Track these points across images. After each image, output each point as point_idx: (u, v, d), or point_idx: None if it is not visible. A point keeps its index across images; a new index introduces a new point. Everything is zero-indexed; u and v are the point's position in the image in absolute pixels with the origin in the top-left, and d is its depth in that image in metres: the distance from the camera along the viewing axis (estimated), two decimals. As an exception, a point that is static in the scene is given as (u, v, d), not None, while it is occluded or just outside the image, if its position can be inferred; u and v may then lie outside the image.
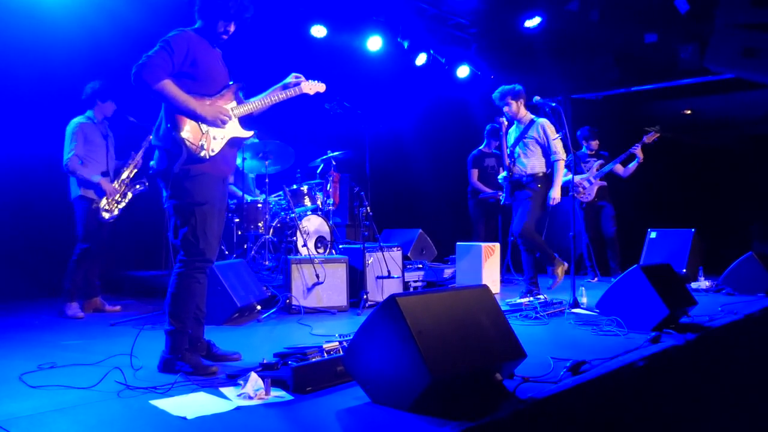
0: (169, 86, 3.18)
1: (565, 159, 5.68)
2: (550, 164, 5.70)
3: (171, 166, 3.23)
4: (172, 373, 3.12)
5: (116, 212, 5.25)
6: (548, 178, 5.70)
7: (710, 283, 6.35)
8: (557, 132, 5.63)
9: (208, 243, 3.28)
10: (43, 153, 5.09)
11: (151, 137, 3.41)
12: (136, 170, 5.47)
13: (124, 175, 5.38)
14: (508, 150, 5.85)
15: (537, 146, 5.72)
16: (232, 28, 3.50)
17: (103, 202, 5.16)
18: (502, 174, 5.94)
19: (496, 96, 5.80)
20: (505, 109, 5.78)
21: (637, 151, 7.21)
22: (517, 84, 5.79)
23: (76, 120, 5.22)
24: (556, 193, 5.67)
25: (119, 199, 5.28)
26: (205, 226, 3.25)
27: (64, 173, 5.14)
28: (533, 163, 5.71)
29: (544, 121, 5.73)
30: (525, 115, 5.80)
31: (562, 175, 5.70)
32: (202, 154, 3.27)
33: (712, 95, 9.63)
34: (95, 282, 5.36)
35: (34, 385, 2.91)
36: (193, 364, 3.17)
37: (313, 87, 3.77)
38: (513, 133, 5.90)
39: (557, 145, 5.66)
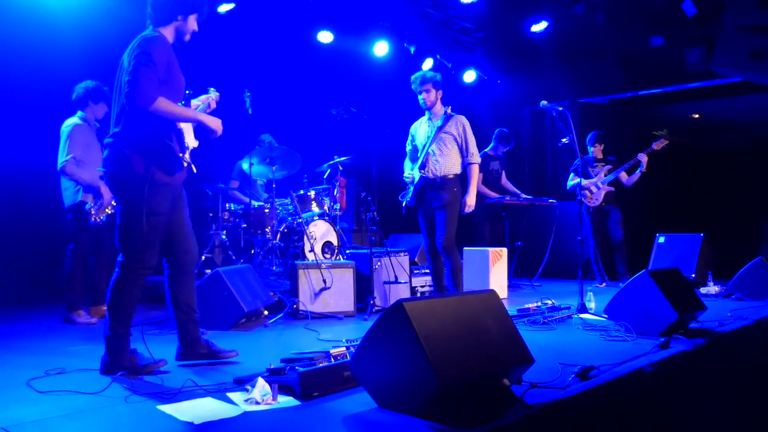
0: (163, 103, 3.18)
1: (479, 163, 5.40)
2: (464, 165, 5.33)
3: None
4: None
5: (103, 217, 5.12)
6: (459, 182, 5.29)
7: (719, 288, 6.30)
8: (564, 136, 5.55)
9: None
10: (49, 156, 5.10)
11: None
12: None
13: None
14: (420, 145, 5.41)
15: (454, 144, 5.29)
16: (196, 27, 3.49)
17: (104, 208, 5.09)
18: (408, 173, 5.48)
19: (416, 78, 5.34)
20: (423, 96, 5.33)
21: (642, 158, 7.15)
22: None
23: (71, 121, 5.10)
24: (470, 200, 5.29)
25: (110, 203, 5.17)
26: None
27: (59, 176, 5.06)
28: (448, 163, 5.26)
29: (463, 118, 5.36)
30: (440, 109, 5.35)
31: (476, 181, 5.39)
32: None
33: (720, 98, 9.60)
34: (102, 288, 5.35)
35: (41, 391, 2.91)
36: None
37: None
38: (425, 127, 5.45)
39: (474, 147, 5.34)
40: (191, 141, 3.48)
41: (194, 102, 3.71)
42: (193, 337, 3.48)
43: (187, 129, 3.47)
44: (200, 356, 3.50)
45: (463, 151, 5.32)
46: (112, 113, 3.37)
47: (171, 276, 3.52)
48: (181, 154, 3.30)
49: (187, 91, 3.51)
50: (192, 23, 3.45)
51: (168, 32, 3.39)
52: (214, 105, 3.87)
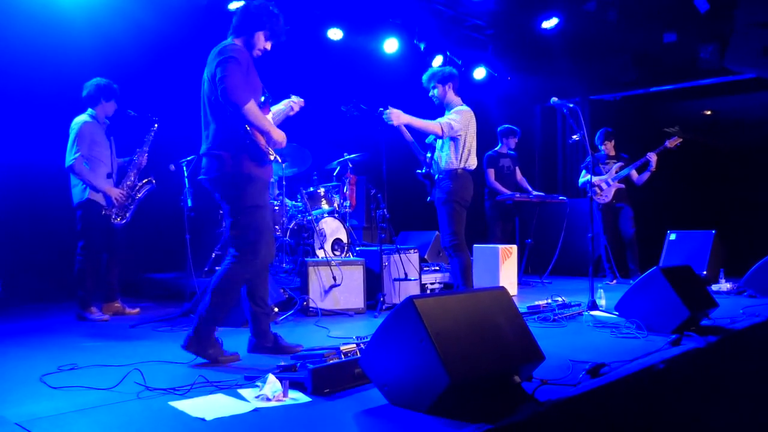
0: (253, 109, 3.39)
1: (445, 132, 5.00)
2: (462, 160, 5.05)
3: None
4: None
5: (128, 215, 5.21)
6: (462, 176, 5.05)
7: (731, 285, 6.26)
8: (575, 133, 5.51)
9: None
10: (60, 153, 5.14)
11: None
12: (136, 171, 5.34)
13: (129, 181, 5.26)
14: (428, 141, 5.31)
15: (448, 139, 5.09)
16: (268, 46, 3.70)
17: (115, 212, 5.13)
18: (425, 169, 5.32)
19: (424, 79, 5.26)
20: (432, 93, 5.25)
21: (652, 158, 7.11)
22: (452, 69, 5.28)
23: (80, 119, 5.12)
24: (395, 114, 4.96)
25: (128, 203, 5.21)
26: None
27: (66, 173, 5.10)
28: (444, 159, 5.09)
29: (459, 108, 5.15)
30: (453, 102, 5.20)
31: (421, 122, 5.02)
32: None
33: (732, 95, 9.52)
34: (114, 285, 5.39)
35: (54, 386, 2.94)
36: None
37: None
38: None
39: (447, 118, 5.04)
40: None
41: (275, 108, 3.91)
42: (263, 329, 3.67)
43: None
44: (266, 350, 3.68)
45: (457, 143, 5.05)
46: (201, 125, 3.60)
47: None
48: (266, 148, 3.48)
49: (261, 98, 3.66)
50: (260, 40, 3.65)
51: (239, 43, 3.60)
52: (297, 109, 4.16)
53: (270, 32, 3.65)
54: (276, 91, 3.82)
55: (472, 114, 5.16)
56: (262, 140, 3.47)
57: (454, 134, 5.02)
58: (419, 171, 5.33)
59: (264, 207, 3.56)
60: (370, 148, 6.92)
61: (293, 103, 4.17)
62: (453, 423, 2.30)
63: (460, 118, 5.04)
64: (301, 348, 3.64)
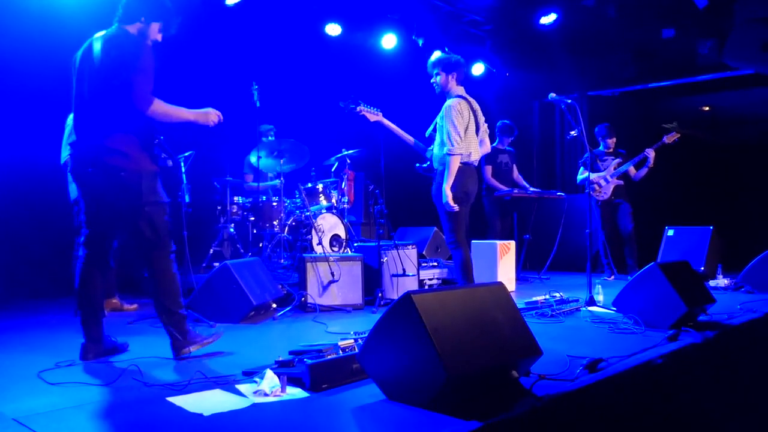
0: (159, 105, 3.27)
1: (460, 154, 4.76)
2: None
3: None
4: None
5: None
6: (458, 171, 4.81)
7: (729, 280, 6.27)
8: (573, 128, 5.50)
9: None
10: (59, 150, 5.13)
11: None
12: None
13: None
14: (427, 134, 5.09)
15: (440, 134, 4.86)
16: (159, 38, 3.55)
17: None
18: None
19: (429, 63, 5.01)
20: (433, 81, 5.00)
21: (650, 154, 7.11)
22: (459, 57, 5.03)
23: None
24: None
25: None
26: None
27: (64, 169, 5.10)
28: (438, 155, 4.89)
29: (451, 101, 4.85)
30: (452, 91, 4.96)
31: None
32: None
33: (731, 91, 9.52)
34: (112, 281, 5.38)
35: (52, 382, 2.94)
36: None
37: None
38: None
39: (454, 136, 4.73)
40: None
41: None
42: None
43: None
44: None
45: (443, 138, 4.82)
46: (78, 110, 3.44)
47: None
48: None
49: None
50: (154, 31, 3.50)
51: (132, 30, 3.44)
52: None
53: (164, 24, 3.51)
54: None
55: (465, 105, 4.90)
56: None
57: (455, 151, 4.77)
58: (422, 165, 5.17)
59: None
60: (368, 144, 6.91)
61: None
62: (450, 418, 2.30)
63: (459, 131, 4.76)
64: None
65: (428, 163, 5.09)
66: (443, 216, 4.92)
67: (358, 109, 4.98)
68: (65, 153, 4.99)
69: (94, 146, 3.31)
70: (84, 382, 2.92)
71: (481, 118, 5.09)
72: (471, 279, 4.94)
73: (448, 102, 4.88)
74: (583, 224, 5.50)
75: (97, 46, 3.35)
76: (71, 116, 5.11)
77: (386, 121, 5.09)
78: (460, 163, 4.83)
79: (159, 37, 3.54)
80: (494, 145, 7.67)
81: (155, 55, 3.37)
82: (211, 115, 3.52)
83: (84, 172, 3.36)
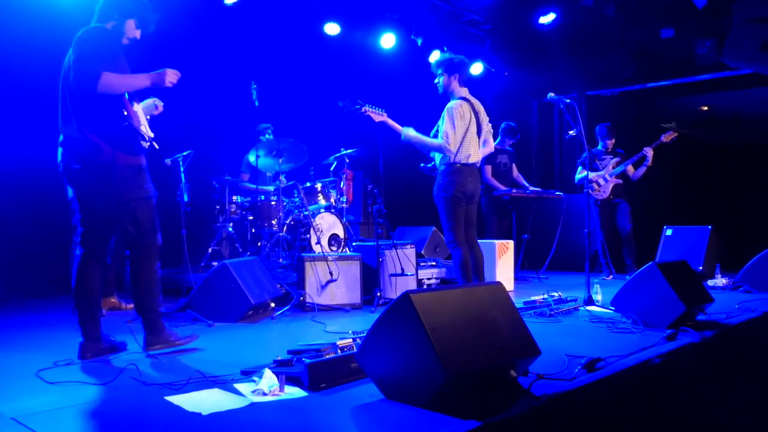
0: (108, 77, 3.23)
1: (450, 152, 4.85)
2: (455, 154, 4.87)
3: None
4: None
5: None
6: (454, 171, 4.88)
7: (727, 280, 6.28)
8: (572, 128, 5.51)
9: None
10: (56, 149, 5.13)
11: None
12: None
13: None
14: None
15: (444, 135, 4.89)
16: (138, 35, 3.56)
17: None
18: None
19: (433, 64, 5.08)
20: (436, 80, 5.07)
21: (648, 153, 7.12)
22: (463, 58, 5.06)
23: None
24: (403, 133, 4.94)
25: None
26: None
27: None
28: (437, 156, 5.01)
29: (452, 103, 4.92)
30: (454, 92, 5.02)
31: (427, 145, 4.96)
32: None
33: (730, 91, 9.53)
34: (110, 280, 5.38)
35: (51, 382, 2.93)
36: None
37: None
38: None
39: (448, 136, 4.81)
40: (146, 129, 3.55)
41: (143, 103, 3.74)
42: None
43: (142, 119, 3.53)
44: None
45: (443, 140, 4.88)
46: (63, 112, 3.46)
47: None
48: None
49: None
50: (130, 28, 3.52)
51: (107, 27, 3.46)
52: (161, 108, 3.90)
53: (139, 20, 3.52)
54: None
55: (467, 107, 4.97)
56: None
57: (449, 150, 4.85)
58: (426, 165, 5.25)
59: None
60: (367, 144, 6.91)
61: (157, 102, 3.90)
62: (449, 417, 2.30)
63: (453, 131, 4.83)
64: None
65: (432, 163, 5.16)
66: (443, 215, 4.98)
67: (363, 109, 5.02)
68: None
69: (73, 143, 3.37)
70: (82, 381, 2.92)
71: (484, 119, 5.16)
72: (470, 278, 4.98)
73: (449, 104, 4.94)
74: (581, 224, 5.51)
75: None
76: None
77: (391, 122, 5.12)
78: (460, 163, 4.91)
79: (137, 33, 3.56)
80: (495, 144, 7.66)
81: (113, 41, 3.39)
82: (168, 75, 3.47)
83: (70, 170, 3.42)
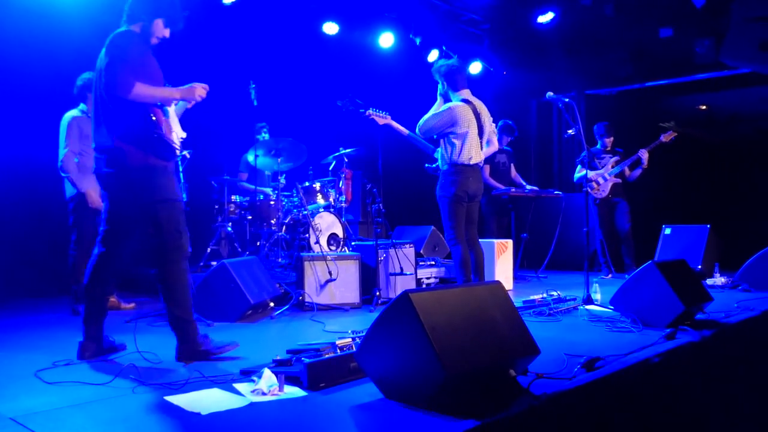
0: (141, 88, 3.24)
1: (419, 131, 5.08)
2: (453, 155, 5.00)
3: None
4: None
5: None
6: (454, 172, 4.99)
7: (726, 279, 6.28)
8: (571, 127, 5.51)
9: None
10: (54, 149, 5.12)
11: None
12: None
13: None
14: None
15: (443, 136, 5.05)
16: (167, 34, 3.55)
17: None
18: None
19: (433, 71, 5.23)
20: (439, 86, 5.21)
21: (644, 155, 7.13)
22: (453, 63, 5.22)
23: (70, 113, 5.12)
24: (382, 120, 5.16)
25: None
26: None
27: (60, 170, 5.10)
28: (440, 155, 5.12)
29: (451, 103, 5.05)
30: (450, 96, 5.15)
31: (400, 130, 5.19)
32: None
33: (728, 90, 9.53)
34: (110, 280, 5.36)
35: (49, 382, 2.93)
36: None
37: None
38: None
39: (422, 121, 5.02)
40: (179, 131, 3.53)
41: (171, 108, 3.71)
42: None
43: (174, 120, 3.51)
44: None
45: (444, 144, 5.05)
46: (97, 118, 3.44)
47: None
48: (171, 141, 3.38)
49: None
50: (158, 27, 3.50)
51: (136, 30, 3.46)
52: (203, 93, 3.69)
53: (167, 19, 3.50)
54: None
55: (465, 108, 5.03)
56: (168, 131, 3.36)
57: (426, 133, 5.08)
58: (431, 166, 5.33)
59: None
60: (365, 143, 6.91)
61: (198, 88, 3.65)
62: (448, 417, 2.30)
63: (436, 120, 5.01)
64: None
65: (436, 164, 5.24)
66: (444, 214, 5.07)
67: (367, 113, 5.12)
68: (60, 153, 5.02)
69: (104, 147, 3.37)
70: (81, 381, 2.92)
71: (487, 120, 5.24)
72: (469, 276, 5.02)
73: (449, 103, 5.09)
74: (580, 223, 5.51)
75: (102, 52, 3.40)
76: (66, 115, 5.13)
77: (395, 124, 5.17)
78: (462, 164, 5.01)
79: (167, 32, 3.54)
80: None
81: (143, 45, 3.39)
82: (197, 89, 3.49)
83: (101, 175, 3.42)
